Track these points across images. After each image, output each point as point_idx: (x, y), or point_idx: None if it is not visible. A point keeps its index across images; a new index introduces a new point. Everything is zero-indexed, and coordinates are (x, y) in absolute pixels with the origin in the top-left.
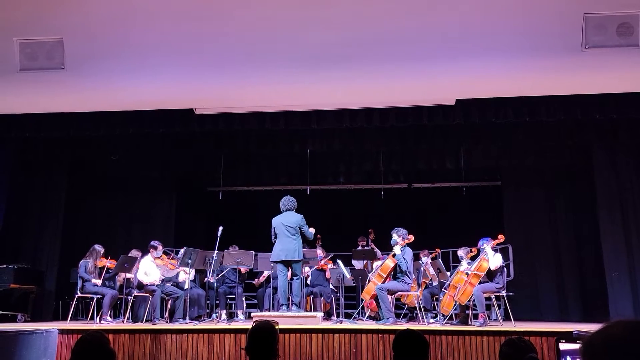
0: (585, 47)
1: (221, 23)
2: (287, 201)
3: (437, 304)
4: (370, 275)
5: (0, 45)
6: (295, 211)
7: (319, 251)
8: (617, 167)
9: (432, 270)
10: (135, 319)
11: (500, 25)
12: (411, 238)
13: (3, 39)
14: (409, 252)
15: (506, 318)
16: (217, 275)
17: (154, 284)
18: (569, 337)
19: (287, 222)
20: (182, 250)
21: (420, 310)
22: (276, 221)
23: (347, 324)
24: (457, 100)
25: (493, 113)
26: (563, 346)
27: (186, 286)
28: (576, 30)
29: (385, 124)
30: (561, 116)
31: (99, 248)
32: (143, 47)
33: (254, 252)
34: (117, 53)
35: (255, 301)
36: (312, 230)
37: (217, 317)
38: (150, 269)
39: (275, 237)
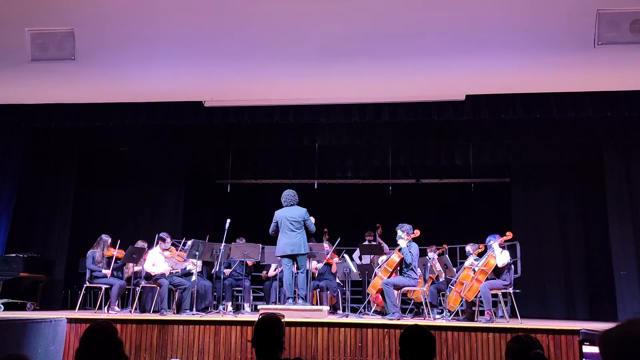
0: (597, 44)
1: (232, 16)
2: (288, 196)
3: (443, 300)
4: (376, 269)
5: (12, 35)
6: (297, 204)
7: (326, 245)
8: (628, 165)
9: (438, 266)
10: (142, 309)
11: (512, 21)
12: (417, 233)
13: (14, 30)
14: (414, 246)
15: (512, 315)
16: (229, 268)
17: (163, 274)
18: (592, 339)
19: (291, 216)
20: (189, 242)
21: (427, 305)
22: (280, 215)
23: (352, 318)
24: (466, 95)
25: (503, 109)
26: (586, 349)
27: (193, 278)
28: (589, 26)
29: (394, 118)
30: (572, 113)
31: (105, 238)
32: (153, 39)
33: (260, 245)
34: (127, 44)
35: (262, 294)
36: (312, 219)
37: (223, 309)
38: (158, 260)
39: (275, 230)
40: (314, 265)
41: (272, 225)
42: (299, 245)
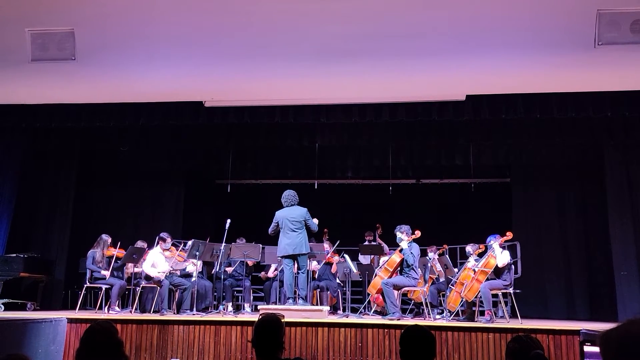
0: (598, 44)
1: (232, 16)
2: (289, 196)
3: (443, 300)
4: (376, 270)
5: (12, 35)
6: (297, 204)
7: (326, 245)
8: (628, 165)
9: (439, 266)
10: (143, 309)
11: (512, 21)
12: (418, 233)
13: (15, 30)
14: (415, 247)
15: (513, 315)
16: (231, 266)
17: (159, 279)
18: (593, 339)
19: (291, 216)
20: (189, 242)
21: (427, 306)
22: (280, 215)
23: (353, 318)
24: (467, 96)
25: (503, 109)
26: (587, 349)
27: (193, 278)
28: (589, 26)
29: (394, 119)
30: (572, 113)
31: (106, 237)
32: (153, 39)
33: (261, 245)
34: (127, 45)
35: (262, 294)
36: (315, 220)
37: (223, 309)
38: (158, 260)
39: (275, 231)
40: (314, 265)
41: (273, 225)
42: (300, 245)
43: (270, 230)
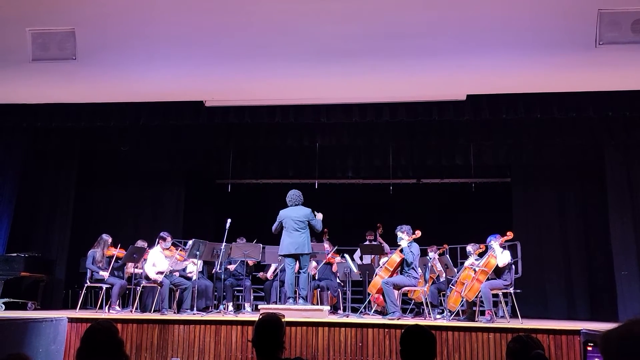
0: (599, 44)
1: (233, 16)
2: (294, 195)
3: (444, 300)
4: (377, 269)
5: (13, 35)
6: (302, 204)
7: (326, 245)
8: (629, 165)
9: (439, 266)
10: (143, 309)
11: (513, 20)
12: (418, 233)
13: (15, 29)
14: (415, 246)
15: (513, 315)
16: (233, 265)
17: (157, 280)
18: (596, 339)
19: (295, 215)
20: (190, 242)
21: (427, 305)
22: (284, 214)
23: (353, 318)
24: (467, 95)
25: (504, 109)
26: (590, 349)
27: (194, 277)
28: (590, 26)
29: (394, 118)
30: (573, 113)
31: (106, 237)
32: (154, 39)
33: (261, 245)
34: (128, 44)
35: (262, 293)
36: (319, 215)
37: (224, 309)
38: (159, 259)
39: (278, 229)
40: (313, 266)
41: (276, 223)
42: (303, 245)
43: (273, 228)
